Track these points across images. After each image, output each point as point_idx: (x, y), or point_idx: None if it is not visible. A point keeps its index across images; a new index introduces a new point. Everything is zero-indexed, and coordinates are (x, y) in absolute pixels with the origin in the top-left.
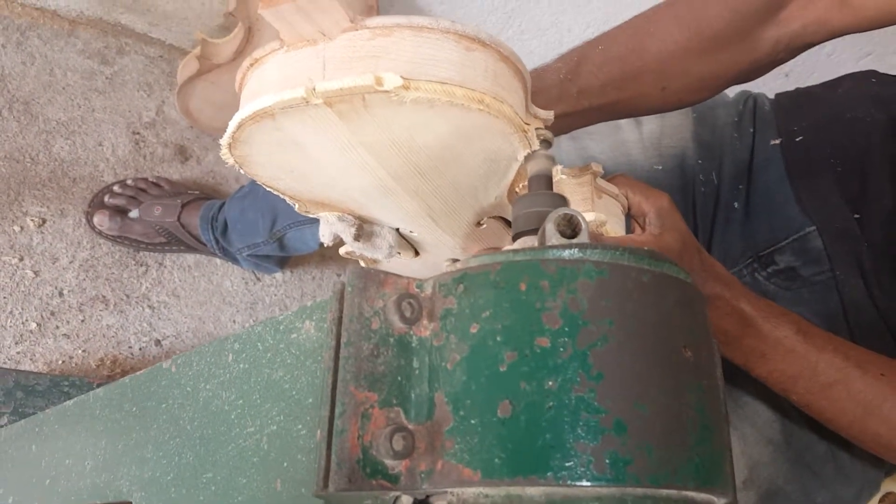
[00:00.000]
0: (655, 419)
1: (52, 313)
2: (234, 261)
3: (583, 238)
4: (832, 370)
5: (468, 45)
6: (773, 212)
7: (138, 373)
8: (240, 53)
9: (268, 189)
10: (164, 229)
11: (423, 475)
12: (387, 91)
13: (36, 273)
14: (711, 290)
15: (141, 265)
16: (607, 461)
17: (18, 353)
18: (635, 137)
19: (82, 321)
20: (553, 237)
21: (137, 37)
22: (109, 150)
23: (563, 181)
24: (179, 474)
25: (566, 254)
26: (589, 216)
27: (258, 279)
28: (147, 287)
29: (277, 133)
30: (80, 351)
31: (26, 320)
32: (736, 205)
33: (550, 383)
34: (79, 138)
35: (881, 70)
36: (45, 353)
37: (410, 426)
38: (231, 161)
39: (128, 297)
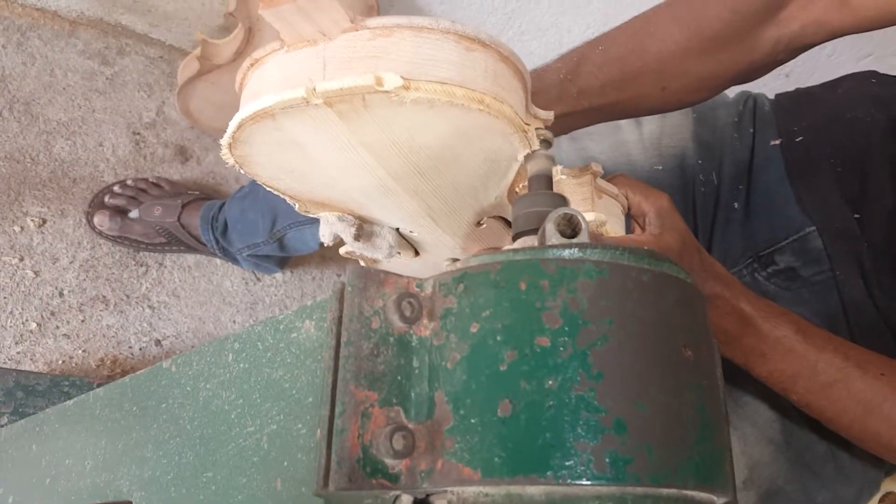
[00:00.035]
0: (655, 418)
1: (53, 313)
2: (235, 261)
3: (583, 238)
4: (832, 370)
5: (468, 46)
6: (773, 212)
7: (138, 372)
8: (240, 54)
9: (268, 189)
10: (165, 229)
11: (423, 474)
12: (387, 91)
13: (36, 273)
14: (711, 290)
15: (141, 265)
16: (607, 460)
17: (19, 353)
18: (635, 137)
19: (82, 321)
20: (553, 237)
21: (138, 37)
22: (110, 151)
23: (563, 181)
24: (179, 474)
25: (566, 253)
26: (589, 216)
27: (258, 279)
28: (147, 287)
29: (277, 133)
30: (80, 351)
31: (26, 320)
32: (736, 205)
33: (550, 382)
34: (79, 139)
35: (881, 71)
36: (45, 353)
37: (410, 425)
38: (231, 161)
39: (128, 297)
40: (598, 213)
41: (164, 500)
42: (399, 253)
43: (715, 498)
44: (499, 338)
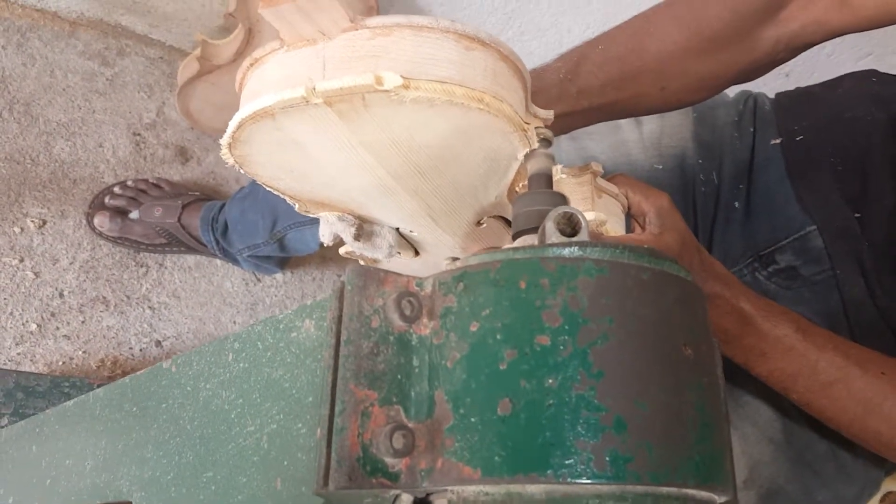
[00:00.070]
0: (656, 417)
1: (53, 314)
2: (235, 262)
3: (583, 236)
4: (832, 369)
5: (468, 45)
6: (774, 211)
7: (138, 373)
8: (240, 54)
9: (268, 189)
10: (165, 230)
11: (423, 473)
12: (387, 90)
13: (36, 274)
14: (711, 290)
15: (141, 266)
16: (607, 459)
17: (19, 354)
18: (635, 137)
19: (83, 322)
20: (553, 235)
21: (138, 38)
22: (110, 152)
23: (563, 181)
24: (179, 474)
25: (566, 252)
26: (589, 215)
27: (258, 280)
28: (147, 288)
29: (277, 133)
30: (80, 352)
31: (27, 321)
32: (736, 204)
33: (550, 381)
34: (79, 139)
35: (881, 70)
36: (45, 355)
37: (410, 424)
38: (231, 161)
39: (128, 298)
40: (598, 212)
41: (165, 501)
42: (399, 253)
43: (715, 497)
44: (499, 336)
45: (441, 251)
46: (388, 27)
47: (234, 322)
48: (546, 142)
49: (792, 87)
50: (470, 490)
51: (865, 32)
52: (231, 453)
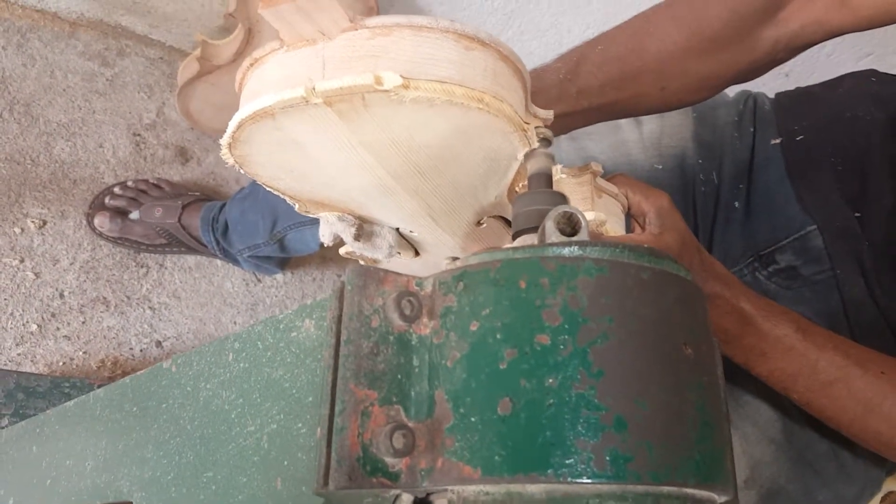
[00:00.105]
0: (656, 416)
1: (53, 315)
2: (235, 262)
3: (583, 236)
4: (832, 368)
5: (467, 45)
6: (774, 211)
7: (138, 373)
8: (240, 55)
9: (268, 189)
10: (165, 231)
11: (423, 473)
12: (386, 90)
13: (37, 275)
14: (711, 289)
15: (141, 266)
16: (608, 458)
17: (19, 354)
18: (635, 137)
19: (83, 323)
20: (553, 235)
21: (138, 38)
22: (110, 152)
23: (562, 181)
24: (180, 474)
25: (566, 251)
26: (589, 215)
27: (259, 280)
28: (148, 288)
29: (277, 133)
30: (80, 352)
31: (27, 322)
32: (736, 204)
33: (551, 380)
34: (79, 140)
35: (881, 70)
36: (45, 355)
37: (410, 424)
38: (231, 161)
39: (128, 298)
40: (598, 212)
41: (165, 501)
42: (399, 253)
43: (716, 496)
44: (499, 336)
45: (441, 251)
46: (387, 27)
47: (235, 322)
48: (546, 141)
49: (792, 87)
50: (470, 490)
51: (865, 32)
52: (231, 453)
